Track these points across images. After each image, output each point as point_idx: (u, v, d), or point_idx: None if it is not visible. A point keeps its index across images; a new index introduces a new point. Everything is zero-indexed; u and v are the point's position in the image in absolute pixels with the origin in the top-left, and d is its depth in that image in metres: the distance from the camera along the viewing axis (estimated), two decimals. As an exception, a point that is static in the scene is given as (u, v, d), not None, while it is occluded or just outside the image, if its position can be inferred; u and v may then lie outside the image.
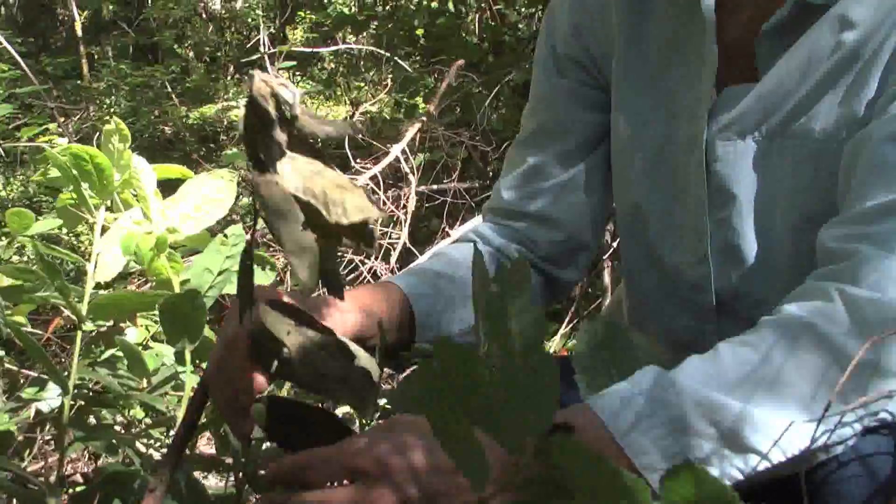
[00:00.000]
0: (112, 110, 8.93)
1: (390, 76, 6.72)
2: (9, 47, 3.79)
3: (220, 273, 1.40)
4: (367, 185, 2.49)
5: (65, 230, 2.81)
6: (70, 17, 10.20)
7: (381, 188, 2.54)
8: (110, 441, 1.43)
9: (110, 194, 1.56)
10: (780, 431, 0.89)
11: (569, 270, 1.40)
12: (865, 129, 1.06)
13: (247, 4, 9.05)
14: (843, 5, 1.10)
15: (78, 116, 5.82)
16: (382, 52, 5.99)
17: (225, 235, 1.43)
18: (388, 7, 5.76)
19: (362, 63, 8.27)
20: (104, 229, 1.57)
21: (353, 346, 1.00)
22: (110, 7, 10.51)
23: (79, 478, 1.77)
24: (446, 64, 5.36)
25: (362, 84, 9.13)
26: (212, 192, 1.58)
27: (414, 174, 2.56)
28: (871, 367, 0.92)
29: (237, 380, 0.99)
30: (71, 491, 1.40)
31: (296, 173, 0.87)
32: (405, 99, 6.06)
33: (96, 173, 1.52)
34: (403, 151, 2.60)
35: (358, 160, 2.68)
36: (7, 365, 1.82)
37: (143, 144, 8.25)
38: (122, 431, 1.62)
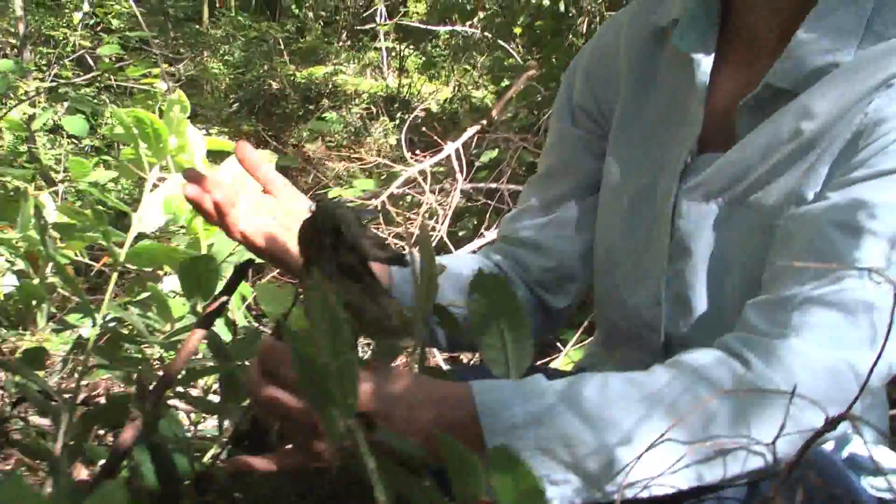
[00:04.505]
0: (226, 58, 9.28)
1: (490, 63, 6.85)
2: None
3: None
4: (415, 178, 2.65)
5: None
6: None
7: (428, 182, 2.67)
8: (127, 372, 1.62)
9: (164, 156, 1.75)
10: (649, 465, 0.98)
11: (559, 298, 1.53)
12: (808, 207, 1.16)
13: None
14: (807, 96, 1.20)
15: (182, 63, 6.05)
16: (492, 37, 6.10)
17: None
18: (499, -1, 5.86)
19: (474, 46, 8.42)
20: (155, 186, 1.76)
21: None
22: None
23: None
24: (549, 60, 5.48)
25: (470, 67, 9.29)
26: (253, 167, 1.75)
27: (462, 172, 2.70)
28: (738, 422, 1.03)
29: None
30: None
31: (340, 286, 0.99)
32: (503, 86, 6.18)
33: (154, 136, 1.71)
34: (464, 147, 2.73)
35: (416, 151, 2.83)
36: (60, 290, 2.02)
37: (246, 97, 8.56)
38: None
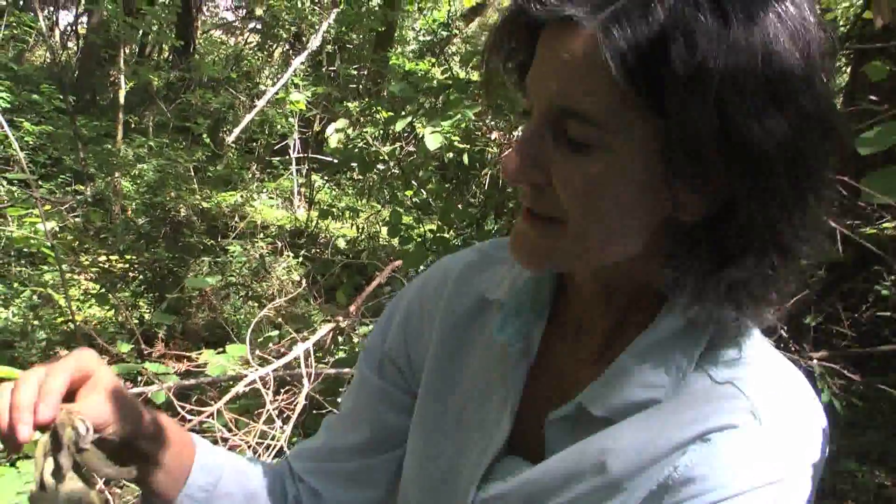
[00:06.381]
0: (137, 180, 9.16)
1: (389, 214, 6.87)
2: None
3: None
4: (256, 381, 2.54)
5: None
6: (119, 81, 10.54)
7: (272, 386, 2.55)
8: None
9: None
10: None
11: None
12: None
13: (280, 111, 9.25)
14: (618, 429, 1.07)
15: (66, 206, 5.95)
16: (397, 181, 6.09)
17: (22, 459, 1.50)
18: (401, 153, 5.89)
19: (385, 184, 8.41)
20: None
21: None
22: (156, 81, 10.78)
23: None
24: (446, 215, 5.48)
25: (378, 205, 9.29)
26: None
27: (311, 377, 2.58)
28: None
29: None
30: None
31: (67, 495, 0.98)
32: (402, 233, 6.18)
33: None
34: (318, 345, 2.64)
35: (258, 351, 2.73)
36: None
37: (152, 223, 8.45)
38: None
